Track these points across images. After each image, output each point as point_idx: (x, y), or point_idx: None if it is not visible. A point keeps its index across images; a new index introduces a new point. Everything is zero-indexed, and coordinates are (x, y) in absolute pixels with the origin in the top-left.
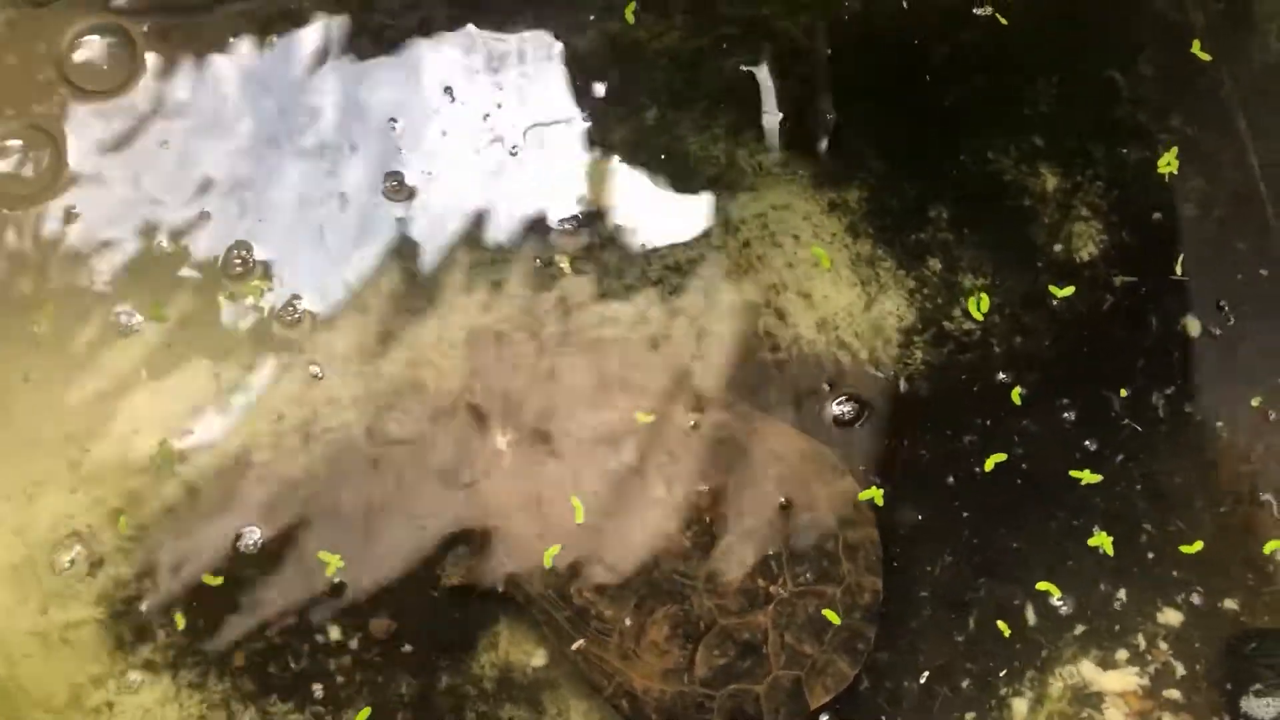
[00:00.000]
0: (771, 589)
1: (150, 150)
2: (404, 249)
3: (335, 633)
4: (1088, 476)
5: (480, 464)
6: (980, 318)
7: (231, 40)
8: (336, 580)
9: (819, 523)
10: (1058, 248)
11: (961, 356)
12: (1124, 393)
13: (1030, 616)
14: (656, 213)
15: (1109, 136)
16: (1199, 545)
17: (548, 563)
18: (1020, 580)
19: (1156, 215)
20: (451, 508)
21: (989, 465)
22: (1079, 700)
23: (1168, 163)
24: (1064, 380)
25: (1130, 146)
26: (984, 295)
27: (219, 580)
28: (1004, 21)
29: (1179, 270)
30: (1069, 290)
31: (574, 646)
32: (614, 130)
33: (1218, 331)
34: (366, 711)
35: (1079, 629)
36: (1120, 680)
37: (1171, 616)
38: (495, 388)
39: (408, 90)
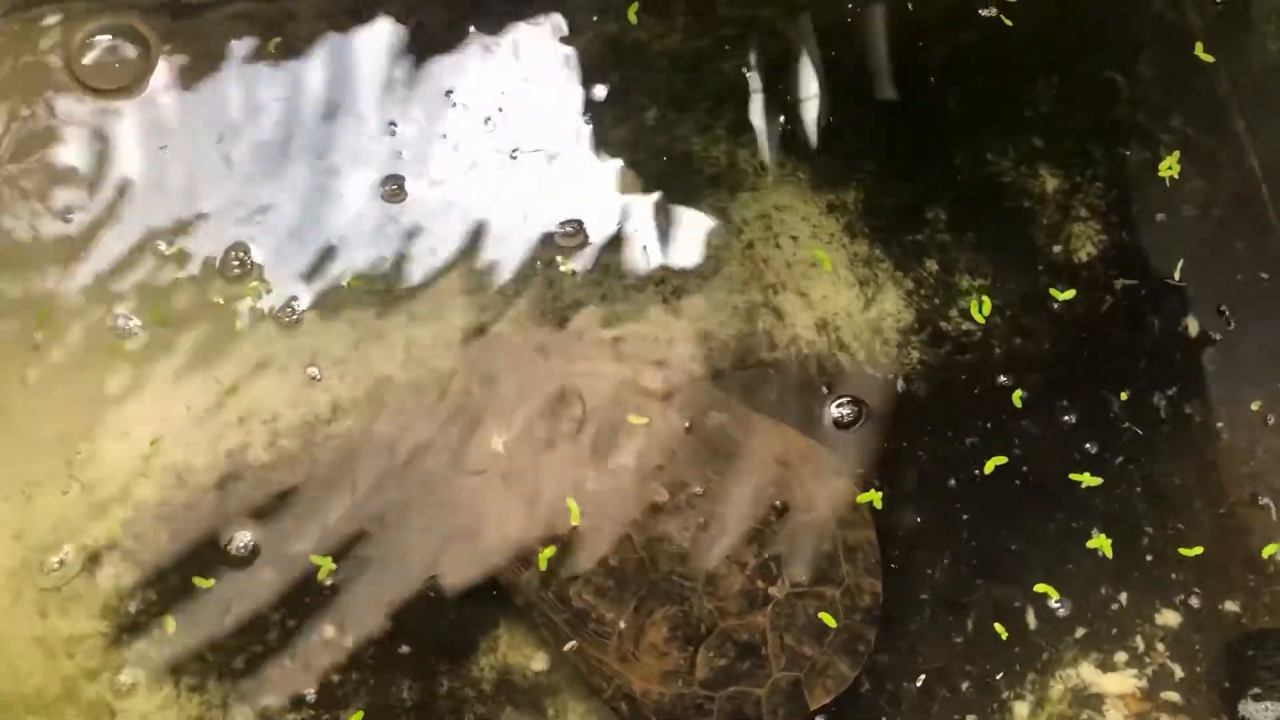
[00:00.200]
0: (771, 590)
1: (150, 151)
2: (403, 251)
3: (332, 634)
4: (1088, 479)
5: (478, 465)
6: (981, 320)
7: (232, 43)
8: (329, 583)
9: (818, 524)
10: (1057, 249)
11: (960, 357)
12: (1124, 394)
13: (1030, 619)
14: (657, 214)
15: (1108, 137)
16: (1198, 550)
17: (542, 564)
18: (1020, 582)
19: (1157, 216)
20: (449, 509)
21: (989, 468)
22: (1079, 702)
23: (1169, 166)
24: (1063, 382)
25: (1129, 147)
26: (985, 298)
27: (209, 583)
28: (1009, 23)
29: (1177, 276)
30: (1069, 294)
31: (566, 647)
32: (615, 131)
33: (1218, 336)
34: (359, 715)
35: (1079, 631)
36: (1120, 682)
37: (1171, 618)
38: (493, 389)
39: (408, 93)
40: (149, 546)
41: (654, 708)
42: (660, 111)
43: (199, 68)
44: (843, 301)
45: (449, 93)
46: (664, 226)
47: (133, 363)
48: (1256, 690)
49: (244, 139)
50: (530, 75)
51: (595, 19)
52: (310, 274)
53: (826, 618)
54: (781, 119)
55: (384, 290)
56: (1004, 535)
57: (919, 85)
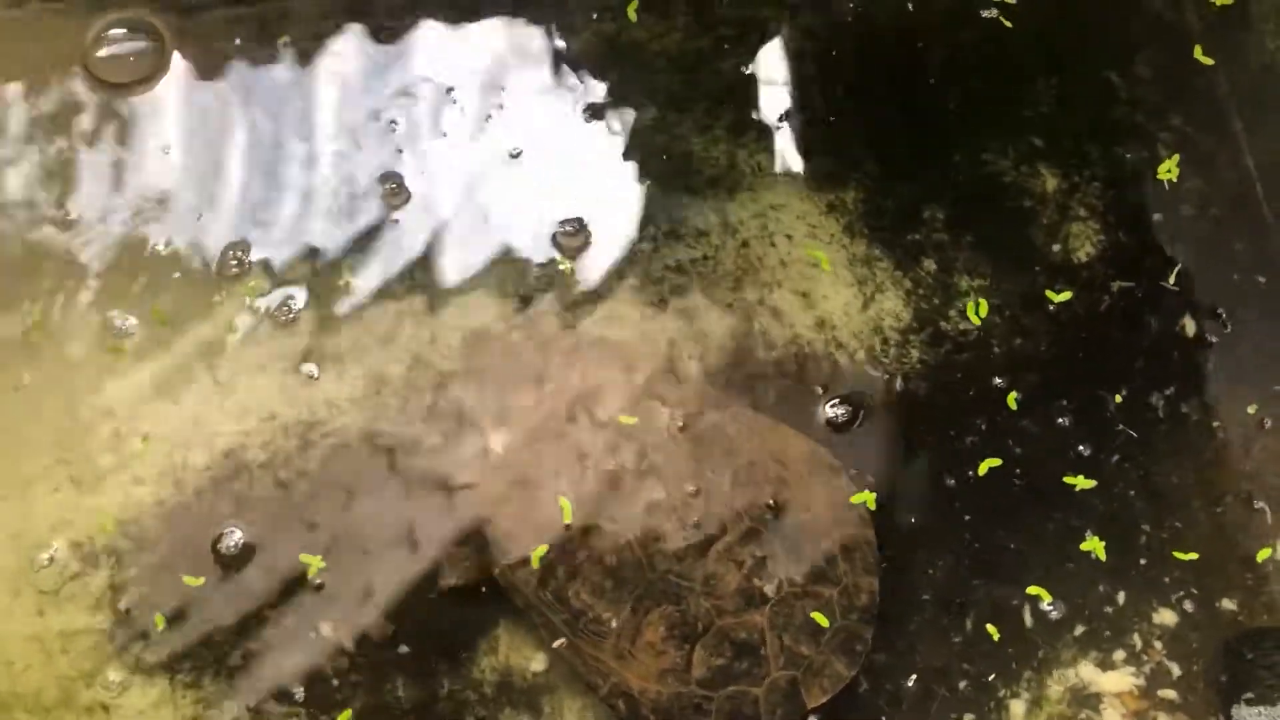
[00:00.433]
0: (768, 590)
1: (150, 150)
2: (402, 250)
3: (331, 634)
4: (1081, 482)
5: (476, 465)
6: (978, 322)
7: (235, 42)
8: (318, 582)
9: (816, 524)
10: (1055, 248)
11: (959, 357)
12: (1121, 394)
13: (1028, 618)
14: (656, 213)
15: (1106, 137)
16: (1194, 555)
17: (535, 563)
18: (1018, 582)
19: (1154, 216)
20: (447, 509)
21: (982, 469)
22: (1077, 701)
23: (1168, 169)
24: (1061, 381)
25: (1127, 147)
26: (982, 300)
27: (200, 581)
28: (1008, 24)
29: (1172, 281)
30: (1066, 295)
31: (555, 644)
32: (614, 130)
33: (1214, 339)
34: (348, 713)
35: (1078, 629)
36: (1117, 681)
37: (1168, 617)
38: (492, 389)
39: (408, 92)
40: (145, 545)
41: (651, 706)
42: (659, 111)
43: (203, 66)
44: (841, 301)
45: (449, 90)
46: (664, 226)
47: (129, 362)
48: (1249, 695)
49: (244, 138)
50: (531, 74)
51: (595, 17)
52: (309, 273)
53: (819, 617)
54: (780, 119)
55: (382, 289)
56: (1002, 534)
57: (918, 85)
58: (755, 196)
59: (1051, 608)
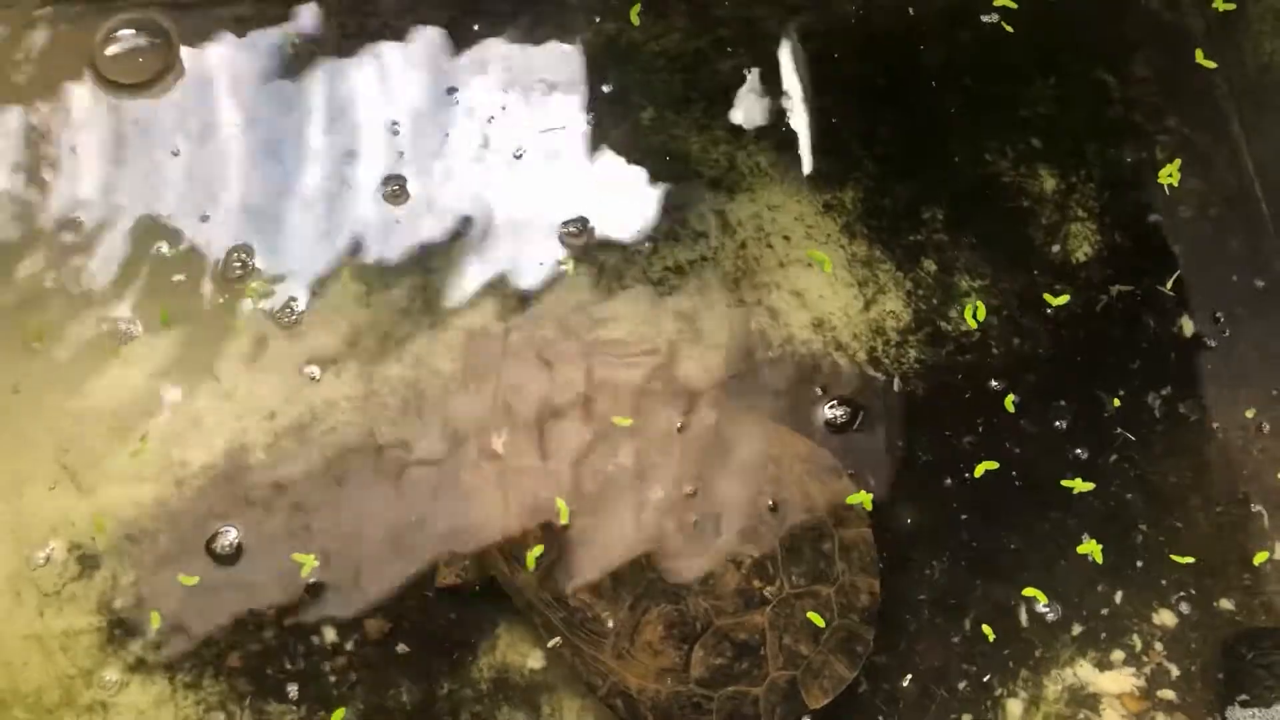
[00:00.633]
0: (768, 590)
1: (157, 152)
2: (404, 251)
3: (331, 634)
4: (1080, 485)
5: (476, 465)
6: (974, 325)
7: (240, 44)
8: (312, 581)
9: (815, 523)
10: (1054, 249)
11: (959, 358)
12: (1120, 394)
13: (1025, 618)
14: (656, 214)
15: (1104, 138)
16: (1191, 559)
17: (530, 564)
18: (1016, 582)
19: (1152, 217)
20: (447, 508)
21: (978, 471)
22: (1075, 701)
23: (1169, 174)
24: (1060, 381)
25: (1125, 148)
26: (979, 303)
27: (194, 580)
28: (1009, 29)
29: (1169, 287)
30: (1063, 299)
31: (550, 643)
32: (614, 131)
33: (1213, 343)
34: (341, 712)
35: (1076, 629)
36: (1116, 681)
37: (1167, 617)
38: (492, 390)
39: (412, 94)
40: (145, 545)
41: (650, 705)
42: (658, 111)
43: (210, 67)
44: (840, 302)
45: (452, 91)
46: (662, 227)
47: (132, 362)
48: (1244, 697)
49: (249, 139)
50: (532, 75)
51: (598, 19)
52: (311, 275)
53: (815, 618)
54: (779, 119)
55: (384, 291)
56: (1001, 534)
57: (916, 86)
58: (754, 197)
59: (1047, 609)
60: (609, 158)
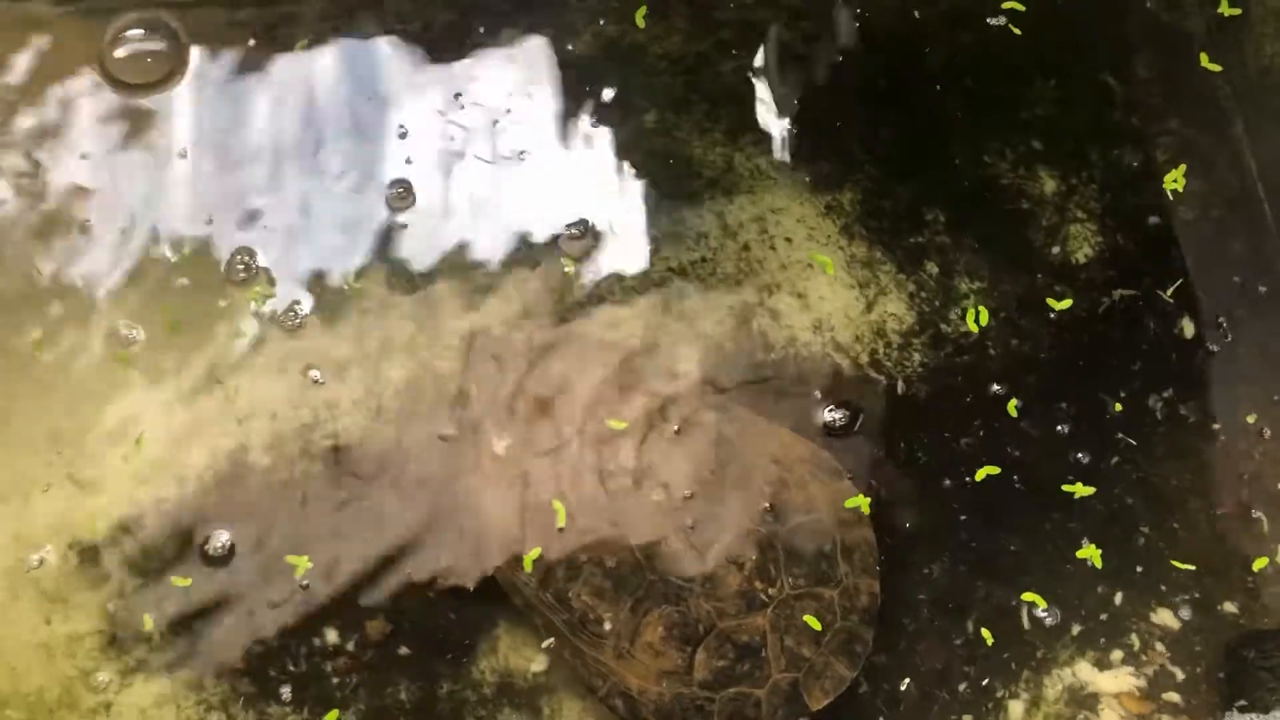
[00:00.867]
0: (769, 592)
1: (164, 153)
2: (408, 254)
3: (332, 635)
4: (1080, 490)
5: (478, 467)
6: (976, 330)
7: (240, 46)
8: (305, 583)
9: (816, 525)
10: (1054, 250)
11: (959, 359)
12: (1121, 396)
13: (1027, 619)
14: (658, 215)
15: (1105, 140)
16: (1192, 566)
17: (528, 566)
18: (1018, 584)
19: (1153, 218)
20: (448, 510)
21: (979, 476)
22: (1075, 701)
23: (1174, 179)
24: (1061, 384)
25: (1126, 150)
26: (981, 308)
27: (187, 581)
28: (1017, 31)
29: (1169, 293)
30: (1066, 303)
31: (544, 644)
32: (617, 133)
33: (1215, 348)
34: (335, 714)
35: (1076, 630)
36: (1117, 681)
37: (1169, 618)
38: (494, 392)
39: (418, 96)
40: (146, 546)
41: (652, 707)
42: (659, 113)
43: (218, 69)
44: (841, 303)
45: (457, 95)
46: (663, 228)
47: (134, 364)
48: (1243, 702)
49: (253, 141)
50: (536, 78)
51: (601, 22)
52: (315, 278)
53: (812, 621)
54: (780, 122)
55: (387, 293)
56: (1002, 536)
57: (918, 88)
58: (754, 199)
59: (1046, 614)
60: (612, 160)
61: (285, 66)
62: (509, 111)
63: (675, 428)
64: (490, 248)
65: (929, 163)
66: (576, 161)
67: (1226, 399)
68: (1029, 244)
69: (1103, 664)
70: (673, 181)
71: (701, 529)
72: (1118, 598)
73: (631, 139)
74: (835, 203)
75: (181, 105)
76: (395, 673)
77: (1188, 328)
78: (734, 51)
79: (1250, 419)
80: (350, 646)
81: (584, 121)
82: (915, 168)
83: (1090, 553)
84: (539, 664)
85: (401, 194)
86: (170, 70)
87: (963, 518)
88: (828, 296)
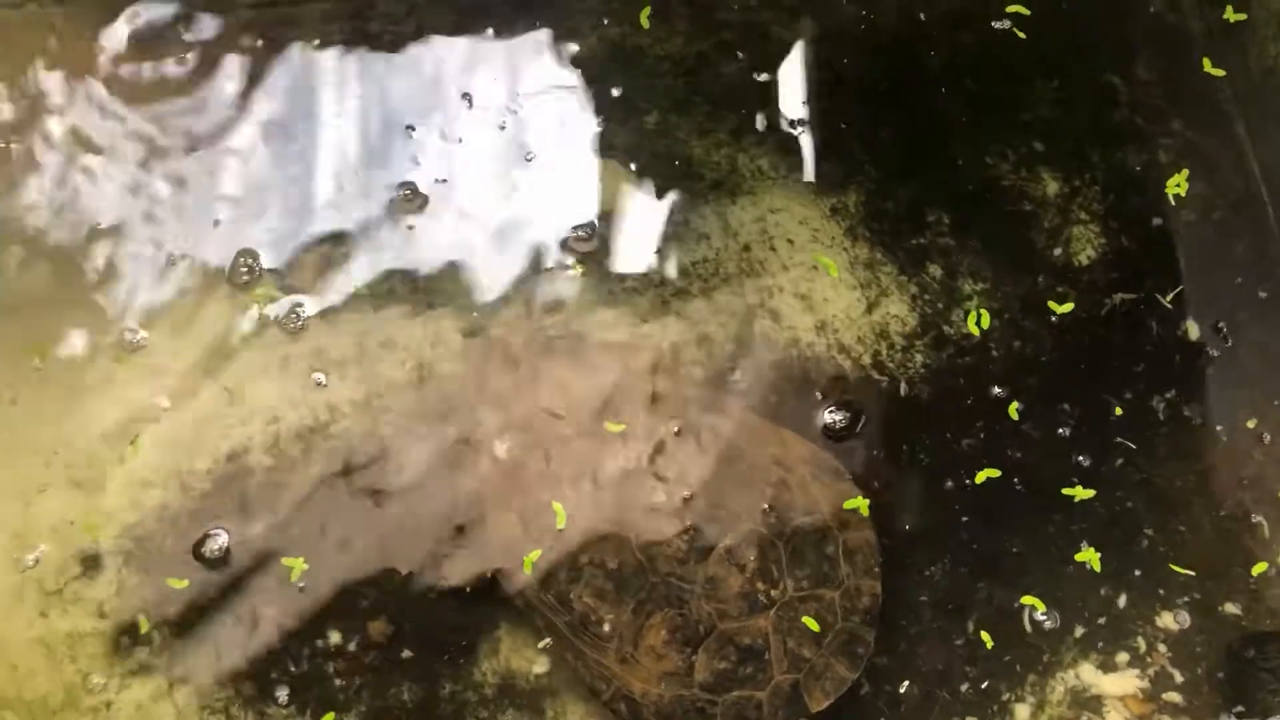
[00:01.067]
0: (772, 593)
1: (170, 154)
2: (412, 256)
3: (335, 637)
4: (1080, 493)
5: (479, 468)
6: (978, 333)
7: (244, 47)
8: (301, 584)
9: (818, 526)
10: (1057, 252)
11: (961, 361)
12: (1124, 397)
13: (1028, 622)
14: (660, 217)
15: (1107, 141)
16: (1194, 571)
17: (527, 568)
18: (1020, 586)
19: (1156, 220)
20: (449, 512)
21: (980, 478)
22: (1079, 704)
23: (1177, 184)
24: (1063, 385)
25: (1129, 151)
26: (984, 311)
27: (184, 583)
28: (1021, 35)
29: (1168, 298)
30: (1068, 306)
31: (540, 645)
32: (620, 135)
33: (1215, 353)
34: (331, 716)
35: (1079, 632)
36: (1120, 683)
37: (1171, 620)
38: (496, 392)
39: (426, 98)
40: (148, 548)
41: (654, 709)
42: (661, 115)
43: (220, 70)
44: (843, 304)
45: (465, 95)
46: (665, 229)
47: (136, 365)
48: (1240, 708)
49: (259, 144)
50: (542, 80)
51: (605, 22)
52: (317, 279)
53: (810, 622)
54: (782, 123)
55: (389, 295)
56: (1004, 537)
57: (920, 89)
58: (757, 200)
59: (1045, 617)
60: (616, 161)
61: (290, 68)
62: (516, 113)
63: (676, 429)
64: (495, 249)
65: (931, 164)
66: (582, 163)
67: (1228, 400)
68: (1031, 245)
69: (1107, 666)
70: (676, 182)
71: (703, 530)
72: (1121, 600)
73: (635, 140)
74: (838, 204)
75: (183, 105)
76: (397, 674)
77: (1191, 330)
78: (737, 53)
79: (1250, 423)
80: (352, 648)
81: (590, 123)
82: (917, 169)
83: (1089, 555)
84: (541, 665)
85: (408, 196)
86: (174, 71)
87: (965, 519)
88: (830, 298)
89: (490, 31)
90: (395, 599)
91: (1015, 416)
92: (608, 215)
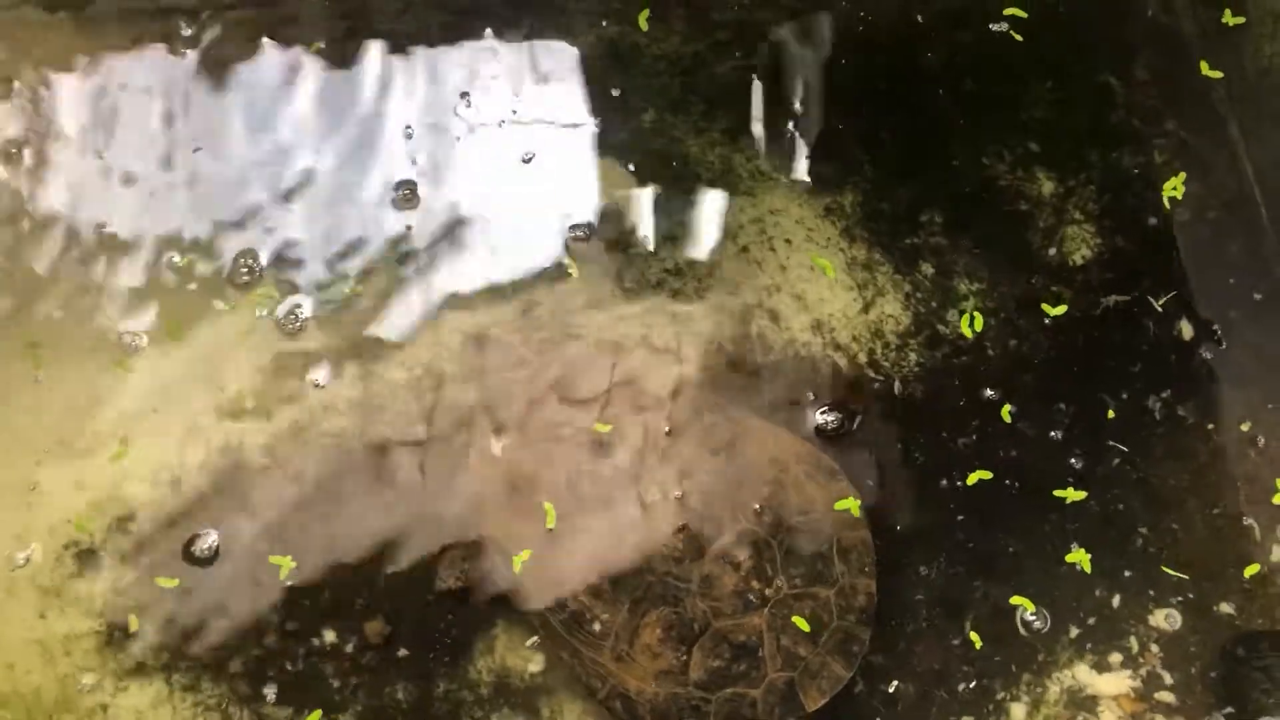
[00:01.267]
0: (767, 591)
1: (174, 153)
2: (412, 257)
3: (330, 636)
4: (1072, 494)
5: (475, 467)
6: (970, 335)
7: (250, 50)
8: (289, 583)
9: (813, 525)
10: (1051, 252)
11: (956, 360)
12: (1119, 396)
13: (1022, 622)
14: (656, 217)
15: (1103, 141)
16: (1187, 574)
17: (516, 568)
18: (1014, 585)
19: (1150, 220)
20: (445, 510)
21: (972, 480)
22: (1074, 703)
23: (1174, 187)
24: (1058, 385)
25: (1124, 151)
26: (977, 314)
27: (174, 583)
28: (1019, 38)
29: (1160, 304)
30: (1062, 308)
31: (529, 643)
32: (617, 134)
33: (1209, 354)
34: (317, 714)
35: (1074, 632)
36: (1114, 683)
37: (1164, 621)
38: (492, 392)
39: (424, 98)
40: (141, 546)
41: (649, 707)
42: (658, 114)
43: (220, 71)
44: (840, 304)
45: (464, 95)
46: (662, 230)
47: (136, 365)
48: (1229, 710)
49: (257, 143)
50: (539, 79)
51: (603, 23)
52: (319, 280)
53: (800, 622)
54: (778, 123)
55: (391, 295)
56: (1000, 538)
57: (917, 90)
58: (755, 200)
59: (1035, 617)
60: (611, 161)
61: (290, 67)
62: (514, 113)
63: (668, 429)
64: (493, 249)
65: (928, 164)
66: (584, 162)
67: (1223, 400)
68: (1027, 245)
69: (1101, 666)
70: (672, 182)
71: (698, 529)
72: (1115, 600)
73: (633, 140)
74: (835, 205)
75: (184, 106)
76: (393, 673)
77: (1185, 331)
78: (733, 53)
79: (1245, 426)
80: (349, 648)
81: (588, 123)
82: (914, 169)
83: (1079, 556)
84: (537, 664)
85: (407, 195)
86: (172, 70)
87: (960, 518)
88: (827, 298)
89: (488, 31)
90: (390, 598)
91: (1008, 418)
92: (606, 215)
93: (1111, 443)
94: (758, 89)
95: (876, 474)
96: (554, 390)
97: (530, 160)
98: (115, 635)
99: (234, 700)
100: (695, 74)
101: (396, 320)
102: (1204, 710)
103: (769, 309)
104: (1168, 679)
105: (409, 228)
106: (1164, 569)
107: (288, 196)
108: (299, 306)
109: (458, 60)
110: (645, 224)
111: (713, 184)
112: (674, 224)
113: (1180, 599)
